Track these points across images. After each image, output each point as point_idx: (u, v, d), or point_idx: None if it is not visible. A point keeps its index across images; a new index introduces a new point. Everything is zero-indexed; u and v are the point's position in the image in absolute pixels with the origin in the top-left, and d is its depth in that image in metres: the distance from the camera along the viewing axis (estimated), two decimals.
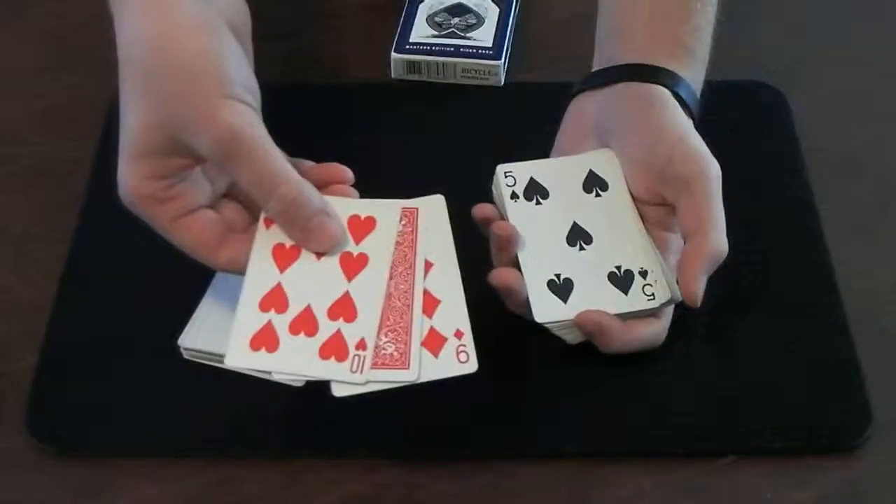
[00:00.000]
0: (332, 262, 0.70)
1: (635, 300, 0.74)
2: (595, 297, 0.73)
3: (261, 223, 0.71)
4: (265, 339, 0.68)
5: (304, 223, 0.69)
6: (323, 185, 0.71)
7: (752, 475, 0.73)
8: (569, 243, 0.75)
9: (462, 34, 0.95)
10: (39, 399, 0.76)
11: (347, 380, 0.67)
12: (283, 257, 0.70)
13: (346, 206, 0.71)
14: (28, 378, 0.77)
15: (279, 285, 0.69)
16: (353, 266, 0.70)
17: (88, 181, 0.87)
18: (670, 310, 0.75)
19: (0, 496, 0.73)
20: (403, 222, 0.71)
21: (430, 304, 0.69)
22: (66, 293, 0.81)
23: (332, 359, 0.67)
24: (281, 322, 0.68)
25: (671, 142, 0.75)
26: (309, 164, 0.71)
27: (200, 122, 0.67)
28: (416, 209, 0.71)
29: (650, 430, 0.74)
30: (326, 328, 0.68)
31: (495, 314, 0.78)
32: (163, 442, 0.75)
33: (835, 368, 0.77)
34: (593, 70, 0.81)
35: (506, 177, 0.77)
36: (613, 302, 0.74)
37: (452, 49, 0.93)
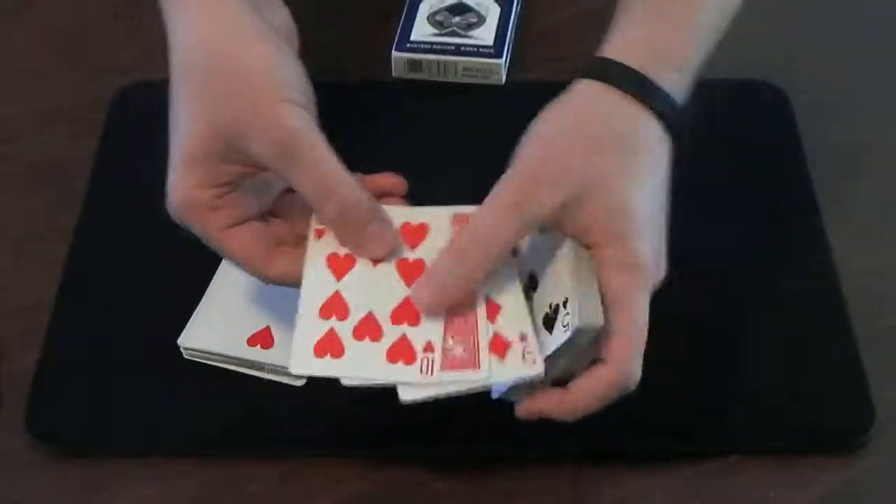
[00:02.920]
0: (390, 269, 0.70)
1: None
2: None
3: (311, 234, 0.71)
4: (329, 346, 0.68)
5: (360, 229, 0.69)
6: (377, 196, 0.71)
7: (755, 475, 0.73)
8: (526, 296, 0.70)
9: (463, 33, 0.95)
10: (39, 399, 0.76)
11: (418, 381, 0.67)
12: (339, 266, 0.70)
13: (397, 214, 0.71)
14: (28, 378, 0.77)
15: (337, 293, 0.69)
16: (411, 271, 0.70)
17: (88, 181, 0.87)
18: (631, 346, 0.68)
19: (0, 496, 0.73)
20: (456, 228, 0.71)
21: (492, 309, 0.68)
22: (66, 293, 0.81)
23: (401, 362, 0.67)
24: (344, 328, 0.68)
25: (620, 221, 0.68)
26: (360, 175, 0.71)
27: (260, 124, 0.67)
28: (468, 215, 0.70)
29: (651, 430, 0.74)
30: (391, 332, 0.68)
31: None
32: (163, 442, 0.75)
33: (837, 368, 0.76)
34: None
35: None
36: (545, 344, 0.68)
37: (453, 48, 0.93)
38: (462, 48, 0.93)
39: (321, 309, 0.69)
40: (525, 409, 0.68)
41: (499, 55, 0.93)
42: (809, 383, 0.76)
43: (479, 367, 0.67)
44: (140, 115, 0.91)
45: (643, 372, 0.75)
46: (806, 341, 0.78)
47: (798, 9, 0.99)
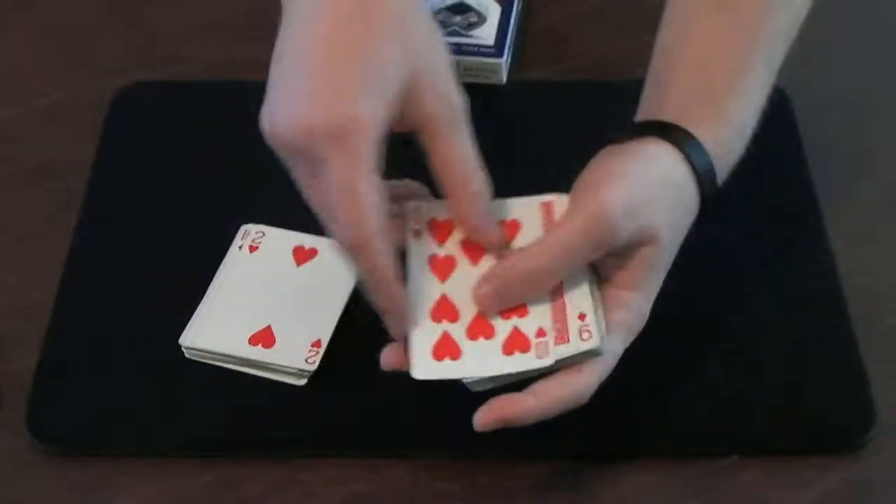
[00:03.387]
0: (490, 265, 0.70)
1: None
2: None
3: (409, 235, 0.71)
4: (447, 349, 0.69)
5: (487, 212, 0.69)
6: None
7: (755, 475, 0.73)
8: None
9: (464, 32, 0.95)
10: (39, 399, 0.76)
11: (537, 366, 0.67)
12: (441, 268, 0.71)
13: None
14: (28, 378, 0.77)
15: (444, 296, 0.70)
16: None
17: (88, 181, 0.87)
18: (596, 369, 0.69)
19: (0, 496, 0.73)
20: (544, 217, 0.71)
21: (557, 289, 0.69)
22: (66, 293, 0.81)
23: (517, 352, 0.68)
24: (457, 330, 0.69)
25: (600, 177, 0.69)
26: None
27: (441, 83, 0.67)
28: (552, 202, 0.71)
29: (651, 430, 0.74)
30: (503, 328, 0.69)
31: None
32: (163, 442, 0.75)
33: (838, 368, 0.76)
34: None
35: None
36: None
37: (454, 47, 0.93)
38: (463, 48, 0.93)
39: (432, 313, 0.69)
40: (483, 417, 0.68)
41: (499, 55, 0.93)
42: (809, 383, 0.76)
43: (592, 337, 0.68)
44: (140, 115, 0.91)
45: (641, 372, 0.76)
46: (806, 341, 0.78)
47: None
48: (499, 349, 0.68)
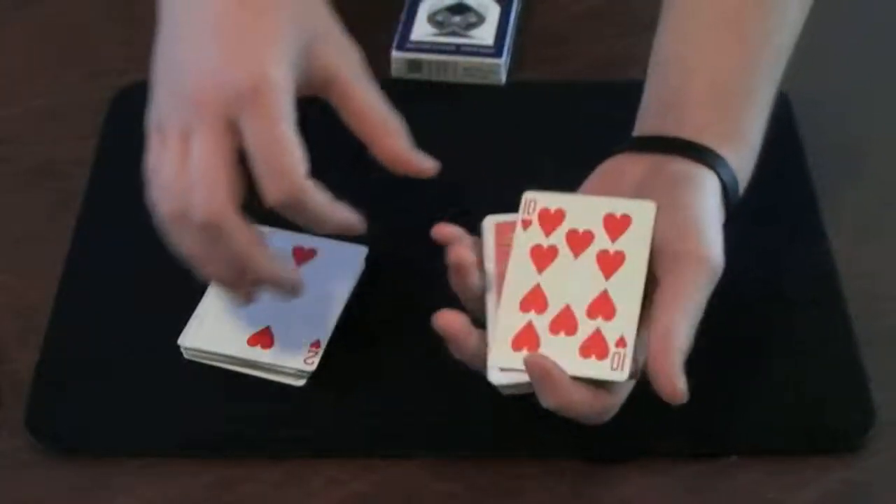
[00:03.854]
0: (590, 261, 0.70)
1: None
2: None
3: (518, 225, 0.72)
4: (526, 340, 0.69)
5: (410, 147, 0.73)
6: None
7: (755, 475, 0.73)
8: None
9: (463, 33, 0.95)
10: (39, 399, 0.76)
11: (609, 377, 0.68)
12: (541, 258, 0.71)
13: (600, 204, 0.72)
14: (28, 378, 0.77)
15: (538, 286, 0.70)
16: (611, 264, 0.70)
17: (88, 181, 0.87)
18: (626, 389, 0.70)
19: (0, 496, 0.73)
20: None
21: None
22: (66, 293, 0.81)
23: (593, 357, 0.68)
24: (541, 322, 0.69)
25: (687, 220, 0.71)
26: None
27: (338, 31, 0.71)
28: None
29: (651, 429, 0.74)
30: (586, 326, 0.69)
31: None
32: (163, 442, 0.75)
33: (838, 368, 0.76)
34: (635, 135, 0.76)
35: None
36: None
37: (453, 48, 0.93)
38: (462, 48, 0.93)
39: (522, 302, 0.70)
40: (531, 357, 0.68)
41: (499, 55, 0.93)
42: (809, 383, 0.76)
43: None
44: (140, 115, 0.90)
45: (644, 372, 0.76)
46: (806, 341, 0.78)
47: None
48: (576, 348, 0.68)
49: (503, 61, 0.93)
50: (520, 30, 0.96)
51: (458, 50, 0.93)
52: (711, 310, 0.77)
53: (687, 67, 0.76)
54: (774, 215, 0.84)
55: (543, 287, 0.70)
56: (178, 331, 0.77)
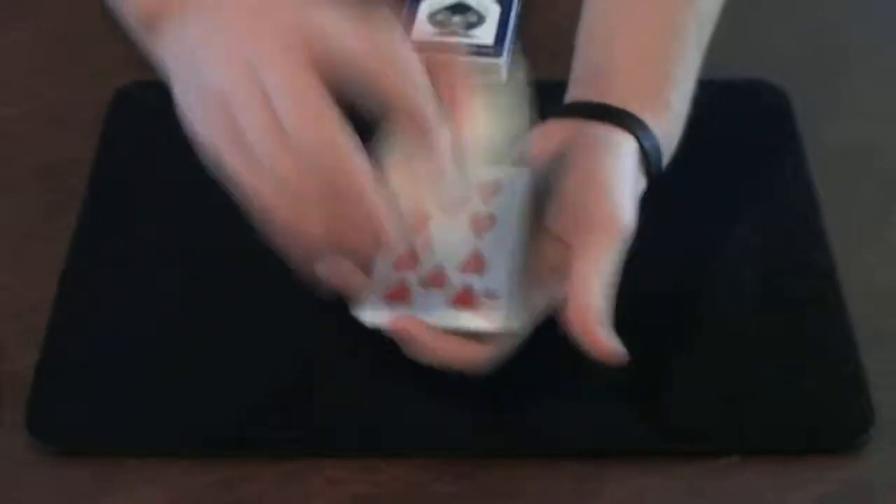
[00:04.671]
0: (464, 222, 0.73)
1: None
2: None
3: None
4: (399, 294, 0.71)
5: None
6: None
7: (754, 475, 0.73)
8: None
9: (463, 32, 0.95)
10: (39, 399, 0.76)
11: (480, 328, 0.70)
12: (417, 220, 0.72)
13: (475, 172, 0.72)
14: (28, 378, 0.77)
15: (413, 248, 0.72)
16: (482, 225, 0.73)
17: (88, 181, 0.87)
18: (507, 342, 0.71)
19: (0, 496, 0.73)
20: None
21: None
22: (66, 293, 0.81)
23: (465, 309, 0.71)
24: (414, 278, 0.72)
25: (598, 183, 0.72)
26: None
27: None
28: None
29: (651, 430, 0.74)
30: (457, 281, 0.71)
31: None
32: (163, 442, 0.75)
33: (837, 368, 0.76)
34: (564, 103, 0.79)
35: None
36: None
37: (454, 47, 0.93)
38: (462, 48, 0.93)
39: (396, 262, 0.72)
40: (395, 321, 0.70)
41: (499, 55, 0.93)
42: (809, 383, 0.76)
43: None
44: (140, 115, 0.91)
45: (641, 372, 0.76)
46: (806, 342, 0.78)
47: (798, 9, 0.99)
48: (447, 302, 0.71)
49: (503, 61, 0.93)
50: (520, 30, 0.96)
51: (458, 50, 0.93)
52: (711, 309, 0.78)
53: (611, 35, 0.79)
54: (774, 215, 0.84)
55: (418, 247, 0.72)
56: (178, 330, 0.77)
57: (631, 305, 0.77)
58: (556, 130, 0.76)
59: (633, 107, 0.76)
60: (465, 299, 0.71)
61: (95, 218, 0.85)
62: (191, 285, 0.80)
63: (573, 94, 0.79)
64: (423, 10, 0.96)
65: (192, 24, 0.69)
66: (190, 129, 0.67)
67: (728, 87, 0.90)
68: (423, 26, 0.95)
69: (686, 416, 0.75)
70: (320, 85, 0.63)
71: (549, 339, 0.76)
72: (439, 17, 0.96)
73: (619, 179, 0.73)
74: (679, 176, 0.82)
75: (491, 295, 0.71)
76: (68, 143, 0.90)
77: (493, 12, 0.96)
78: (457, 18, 0.96)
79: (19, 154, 0.90)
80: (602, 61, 0.79)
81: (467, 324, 0.70)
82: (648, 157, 0.75)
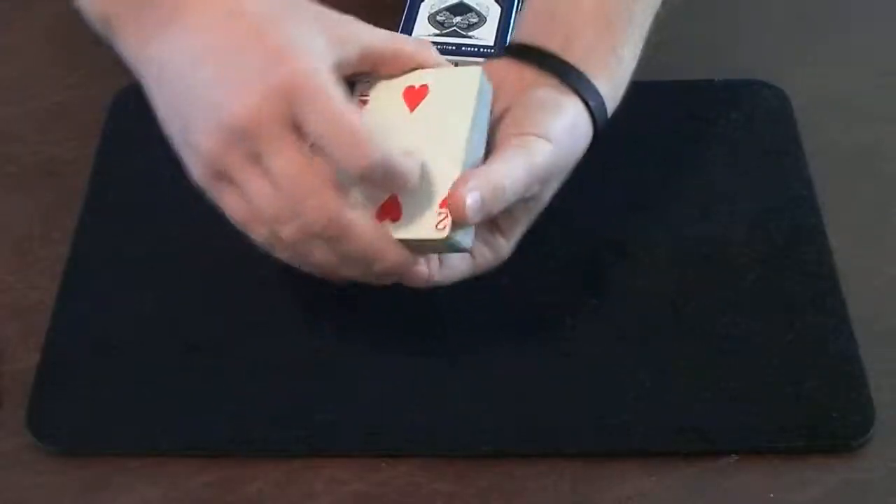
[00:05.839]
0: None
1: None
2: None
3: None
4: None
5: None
6: None
7: (755, 475, 0.73)
8: None
9: (464, 33, 0.95)
10: (39, 399, 0.76)
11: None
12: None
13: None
14: (28, 378, 0.77)
15: None
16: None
17: (88, 181, 0.87)
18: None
19: (0, 496, 0.73)
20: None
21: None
22: (67, 293, 0.81)
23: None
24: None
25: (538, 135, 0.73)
26: None
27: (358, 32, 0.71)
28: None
29: (651, 429, 0.74)
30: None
31: (498, 315, 0.78)
32: (163, 442, 0.75)
33: (838, 368, 0.76)
34: (518, 41, 0.78)
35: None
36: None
37: (454, 48, 0.93)
38: (463, 48, 0.93)
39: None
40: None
41: (499, 55, 0.93)
42: (809, 383, 0.76)
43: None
44: (140, 115, 0.90)
45: (641, 372, 0.76)
46: (806, 341, 0.78)
47: (799, 9, 0.99)
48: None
49: None
50: None
51: (458, 50, 0.93)
52: (711, 309, 0.78)
53: None
54: (774, 215, 0.84)
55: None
56: (178, 331, 0.77)
57: (631, 305, 0.77)
58: (509, 72, 0.76)
59: (590, 68, 0.75)
60: (388, 209, 0.70)
61: (95, 218, 0.85)
62: (191, 285, 0.80)
63: (530, 31, 0.78)
64: (423, 10, 0.96)
65: (172, 46, 0.70)
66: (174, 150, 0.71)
67: (728, 87, 0.90)
68: (423, 26, 0.95)
69: (686, 416, 0.75)
70: (310, 160, 0.66)
71: (549, 339, 0.76)
72: (439, 17, 0.96)
73: (559, 133, 0.73)
74: (679, 176, 0.82)
75: (443, 203, 0.69)
76: (68, 143, 0.90)
77: (493, 12, 0.96)
78: (457, 19, 0.96)
79: (19, 154, 0.90)
80: (569, 12, 0.78)
81: (396, 234, 0.69)
82: (594, 116, 0.75)
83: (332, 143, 0.66)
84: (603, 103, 0.75)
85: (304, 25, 0.69)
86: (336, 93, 0.67)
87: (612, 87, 0.76)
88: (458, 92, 0.72)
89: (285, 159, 0.67)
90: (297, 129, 0.67)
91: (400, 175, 0.68)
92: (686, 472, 0.73)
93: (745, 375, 0.76)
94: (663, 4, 0.79)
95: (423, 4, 0.97)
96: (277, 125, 0.66)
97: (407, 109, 0.73)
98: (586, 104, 0.74)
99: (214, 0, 0.69)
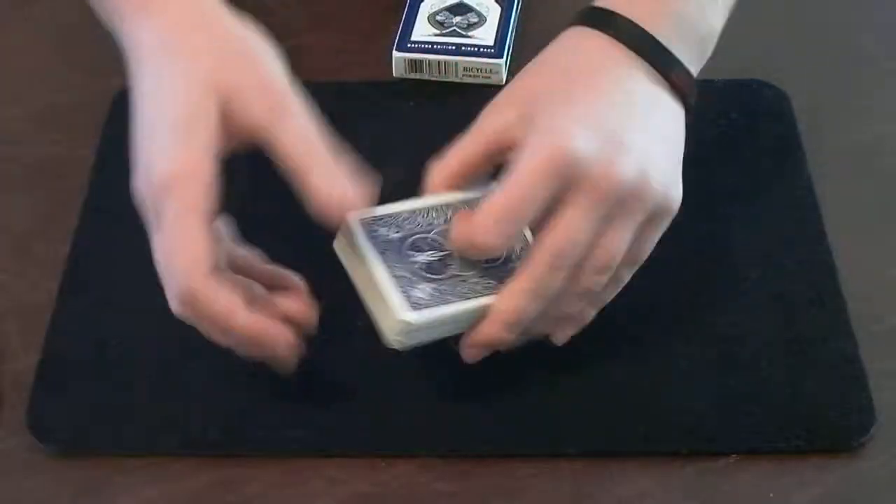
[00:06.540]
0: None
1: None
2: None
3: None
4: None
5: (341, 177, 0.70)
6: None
7: (755, 475, 0.73)
8: None
9: (464, 33, 0.95)
10: (39, 399, 0.76)
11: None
12: None
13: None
14: (28, 378, 0.77)
15: None
16: None
17: (88, 181, 0.87)
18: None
19: (0, 496, 0.73)
20: None
21: None
22: (67, 293, 0.81)
23: None
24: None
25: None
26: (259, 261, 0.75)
27: (257, 82, 0.70)
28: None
29: (651, 430, 0.74)
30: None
31: None
32: (163, 442, 0.75)
33: (838, 368, 0.76)
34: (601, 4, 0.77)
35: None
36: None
37: (454, 48, 0.93)
38: (462, 48, 0.93)
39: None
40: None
41: (499, 55, 0.93)
42: (809, 383, 0.76)
43: None
44: None
45: (641, 372, 0.76)
46: (806, 341, 0.78)
47: (799, 9, 0.99)
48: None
49: (504, 61, 0.93)
50: (520, 30, 0.96)
51: (458, 50, 0.93)
52: (711, 309, 0.78)
53: None
54: (774, 215, 0.84)
55: None
56: (178, 330, 0.77)
57: (631, 305, 0.77)
58: (589, 41, 0.77)
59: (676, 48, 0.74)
60: None
61: (95, 218, 0.85)
62: None
63: None
64: (424, 10, 0.96)
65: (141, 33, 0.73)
66: None
67: (728, 87, 0.90)
68: (423, 26, 0.95)
69: (686, 416, 0.75)
70: (206, 230, 0.68)
71: (549, 339, 0.76)
72: (440, 18, 0.96)
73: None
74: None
75: None
76: (68, 143, 0.90)
77: (493, 12, 0.96)
78: (457, 18, 0.96)
79: (19, 154, 0.90)
80: None
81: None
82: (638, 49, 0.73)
83: (162, 262, 0.70)
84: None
85: (208, 91, 0.69)
86: (197, 203, 0.67)
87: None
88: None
89: (165, 225, 0.68)
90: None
91: (210, 315, 0.69)
92: (686, 472, 0.73)
93: (744, 375, 0.76)
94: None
95: (422, 4, 0.97)
96: (153, 206, 0.69)
97: None
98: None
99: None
